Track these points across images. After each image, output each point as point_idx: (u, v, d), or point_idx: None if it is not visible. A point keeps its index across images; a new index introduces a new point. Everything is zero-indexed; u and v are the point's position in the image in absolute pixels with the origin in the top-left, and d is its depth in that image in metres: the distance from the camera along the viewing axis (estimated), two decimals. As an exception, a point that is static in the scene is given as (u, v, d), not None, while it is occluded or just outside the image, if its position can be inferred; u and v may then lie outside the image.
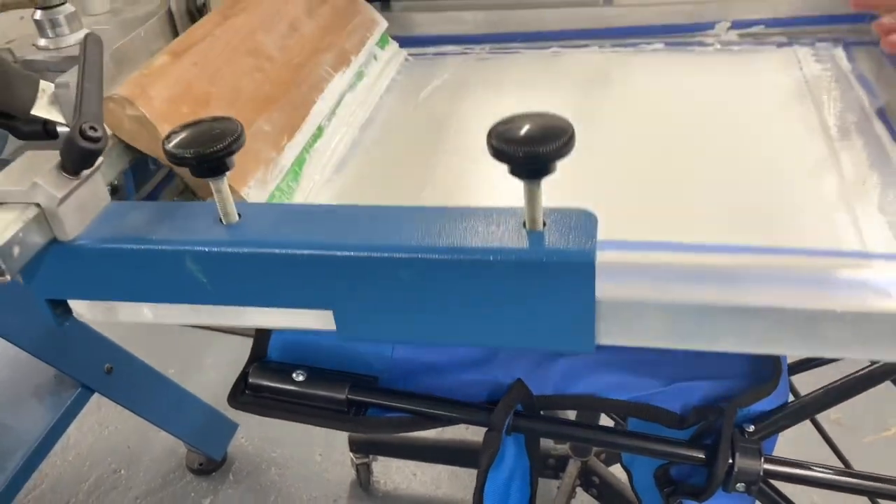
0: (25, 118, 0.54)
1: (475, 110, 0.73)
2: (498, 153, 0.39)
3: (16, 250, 0.44)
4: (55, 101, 0.54)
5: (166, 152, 0.43)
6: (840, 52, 0.73)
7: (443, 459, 1.45)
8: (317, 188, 0.62)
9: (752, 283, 0.42)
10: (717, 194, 0.57)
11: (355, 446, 1.43)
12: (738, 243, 0.49)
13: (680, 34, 0.80)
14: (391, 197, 0.62)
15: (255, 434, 1.60)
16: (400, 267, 0.43)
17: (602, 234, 0.42)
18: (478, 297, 0.43)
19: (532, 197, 0.42)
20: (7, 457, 1.10)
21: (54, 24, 0.58)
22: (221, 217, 0.46)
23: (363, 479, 1.45)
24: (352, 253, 0.43)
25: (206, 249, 0.45)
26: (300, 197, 0.59)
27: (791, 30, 0.78)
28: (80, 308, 0.51)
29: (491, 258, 0.42)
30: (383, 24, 0.81)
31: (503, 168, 0.40)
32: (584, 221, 0.43)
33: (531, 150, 0.39)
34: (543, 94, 0.74)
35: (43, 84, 0.54)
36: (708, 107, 0.68)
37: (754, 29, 0.78)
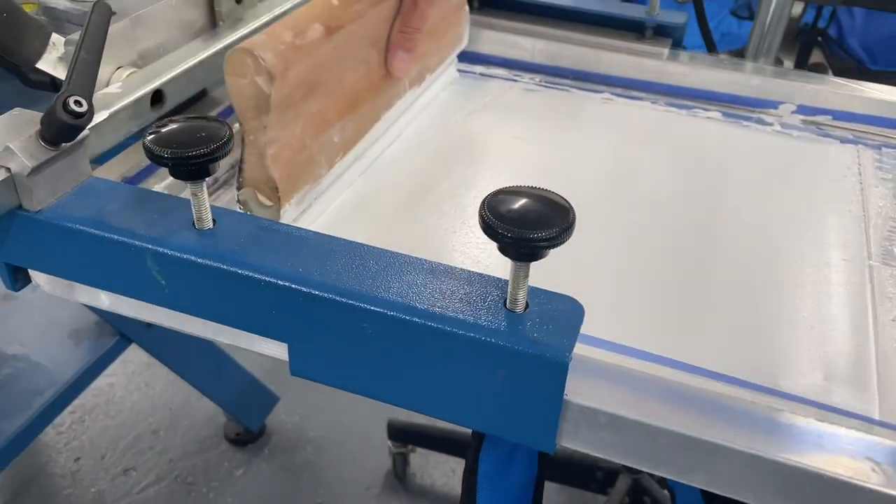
0: (30, 69, 0.51)
1: (506, 144, 0.69)
2: (486, 227, 0.36)
3: (-27, 213, 0.42)
4: (64, 57, 0.52)
5: (145, 147, 0.40)
6: (906, 163, 0.68)
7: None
8: (319, 190, 0.59)
9: (737, 422, 0.38)
10: (714, 303, 0.52)
11: (394, 434, 1.40)
12: (734, 375, 0.45)
13: (741, 106, 0.75)
14: (388, 220, 0.59)
15: (296, 411, 1.59)
16: (365, 318, 0.40)
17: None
18: (442, 369, 0.40)
19: (517, 278, 0.38)
20: (35, 395, 1.11)
21: (83, -26, 0.56)
22: (195, 221, 0.43)
23: (399, 469, 1.43)
24: (317, 292, 0.40)
25: (168, 252, 0.42)
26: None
27: (860, 126, 0.72)
28: (40, 279, 0.48)
29: (461, 332, 0.38)
30: (465, 41, 0.78)
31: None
32: (569, 312, 0.39)
33: (521, 233, 0.35)
34: (580, 141, 0.70)
35: (54, 37, 0.51)
36: (744, 194, 0.63)
37: (820, 118, 0.73)
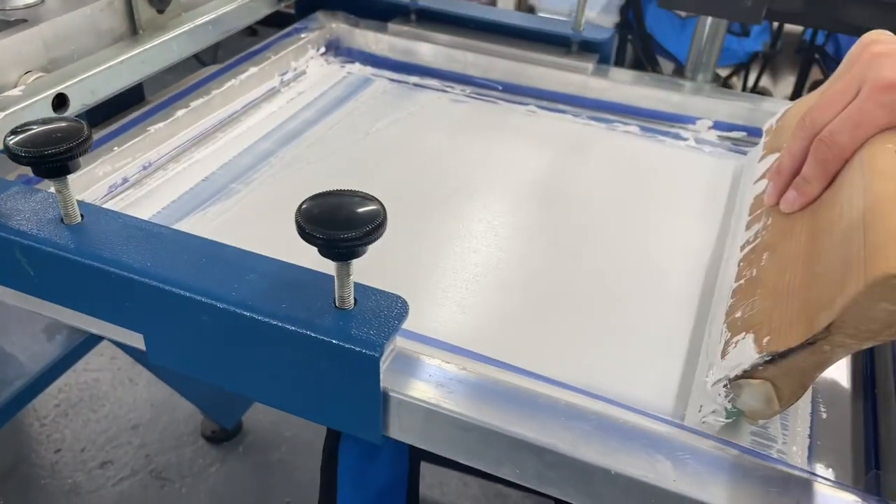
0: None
1: (422, 153, 0.71)
2: (301, 232, 0.38)
3: None
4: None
5: (6, 147, 0.43)
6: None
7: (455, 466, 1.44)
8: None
9: (541, 417, 0.40)
10: (565, 309, 0.54)
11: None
12: (561, 379, 0.47)
13: (660, 121, 0.77)
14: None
15: (273, 410, 1.61)
16: (203, 311, 0.42)
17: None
18: (276, 360, 0.42)
19: (340, 277, 0.40)
20: (5, 385, 1.14)
21: (3, -16, 0.59)
22: (63, 216, 0.46)
23: None
24: (162, 285, 0.43)
25: (33, 245, 0.45)
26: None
27: (772, 143, 0.73)
28: (-67, 267, 0.52)
29: (288, 327, 0.40)
30: None
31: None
32: (394, 308, 0.41)
33: (332, 234, 0.37)
34: (498, 150, 0.72)
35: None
36: (634, 207, 0.65)
37: (735, 133, 0.74)
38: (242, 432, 1.58)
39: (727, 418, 0.43)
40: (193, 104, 0.68)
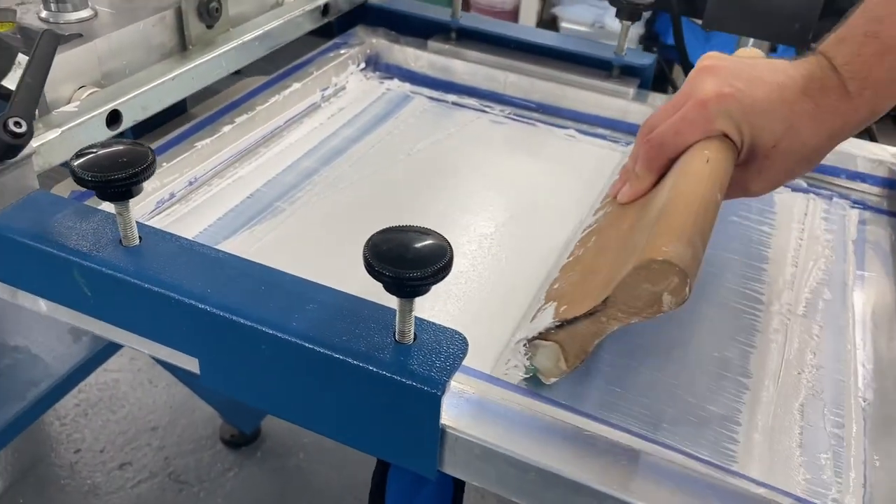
0: (-4, 86, 0.55)
1: (466, 177, 0.71)
2: (369, 267, 0.38)
3: (-84, 222, 0.45)
4: (27, 76, 0.55)
5: (71, 171, 0.43)
6: (854, 215, 0.69)
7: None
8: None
9: (601, 463, 0.40)
10: None
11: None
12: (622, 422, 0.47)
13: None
14: (328, 239, 0.61)
15: None
16: (263, 340, 0.42)
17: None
18: (333, 391, 0.42)
19: (402, 312, 0.40)
20: (31, 386, 1.15)
21: (59, -2, 0.60)
22: (122, 238, 0.46)
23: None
24: (221, 312, 0.43)
25: (93, 266, 0.45)
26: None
27: (815, 176, 0.73)
28: (-12, 283, 0.52)
29: (349, 360, 0.40)
30: None
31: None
32: (454, 346, 0.41)
33: (400, 273, 0.37)
34: (539, 176, 0.72)
35: (20, 58, 0.55)
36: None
37: (777, 164, 0.74)
38: (260, 437, 1.58)
39: (526, 374, 0.49)
40: (238, 120, 0.69)
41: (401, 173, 0.70)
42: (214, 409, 1.54)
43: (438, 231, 0.40)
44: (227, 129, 0.67)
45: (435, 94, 0.84)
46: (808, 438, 0.48)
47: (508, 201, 0.68)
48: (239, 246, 0.59)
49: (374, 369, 0.40)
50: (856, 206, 0.71)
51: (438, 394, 0.39)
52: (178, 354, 0.47)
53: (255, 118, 0.70)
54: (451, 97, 0.83)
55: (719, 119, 0.51)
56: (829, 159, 0.72)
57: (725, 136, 0.52)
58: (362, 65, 0.86)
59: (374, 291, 0.40)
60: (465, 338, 0.42)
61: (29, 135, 0.46)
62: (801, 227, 0.67)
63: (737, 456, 0.46)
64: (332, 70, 0.81)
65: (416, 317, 0.41)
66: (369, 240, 0.39)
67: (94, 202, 0.56)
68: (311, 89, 0.78)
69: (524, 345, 0.49)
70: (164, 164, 0.61)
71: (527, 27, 0.90)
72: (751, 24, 0.76)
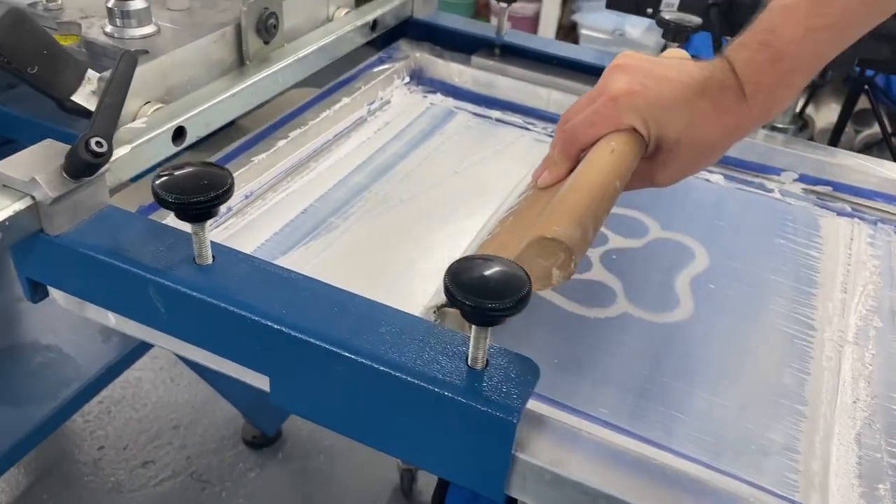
0: (66, 100, 0.56)
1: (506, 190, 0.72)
2: (449, 295, 0.39)
3: (-1, 236, 0.46)
4: (96, 91, 0.56)
5: (153, 191, 0.44)
6: (899, 241, 0.70)
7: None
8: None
9: (673, 492, 0.40)
10: None
11: (402, 451, 1.46)
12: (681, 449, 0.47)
13: (744, 170, 0.77)
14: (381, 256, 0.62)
15: None
16: (338, 363, 0.43)
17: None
18: (405, 413, 0.43)
19: (477, 339, 0.41)
20: (63, 386, 1.16)
21: (124, 14, 0.61)
22: (196, 257, 0.47)
23: (405, 485, 1.46)
24: (296, 334, 0.44)
25: (168, 284, 0.46)
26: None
27: (859, 200, 0.74)
28: (56, 295, 0.53)
29: (423, 385, 0.41)
30: None
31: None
32: (526, 373, 0.42)
33: (480, 303, 0.38)
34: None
35: (89, 73, 0.56)
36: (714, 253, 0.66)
37: (820, 188, 0.75)
38: (281, 439, 1.60)
39: None
40: (292, 135, 0.70)
41: (448, 192, 0.71)
42: (237, 410, 1.56)
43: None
44: (281, 143, 0.68)
45: (478, 109, 0.85)
46: (866, 469, 0.48)
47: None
48: (296, 262, 0.60)
49: (450, 395, 0.41)
50: (901, 231, 0.71)
51: (514, 421, 0.40)
52: (249, 372, 0.47)
53: (307, 133, 0.71)
54: (495, 113, 0.84)
55: (628, 113, 0.55)
56: (870, 183, 0.73)
57: (634, 129, 0.56)
58: (406, 79, 0.87)
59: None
60: (535, 364, 0.43)
61: (109, 154, 0.47)
62: (847, 251, 0.68)
63: (798, 485, 0.47)
64: (379, 84, 0.82)
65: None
66: (450, 267, 0.40)
67: (158, 216, 0.58)
68: (360, 103, 0.78)
69: (434, 311, 0.52)
70: (224, 178, 0.62)
71: (570, 45, 0.90)
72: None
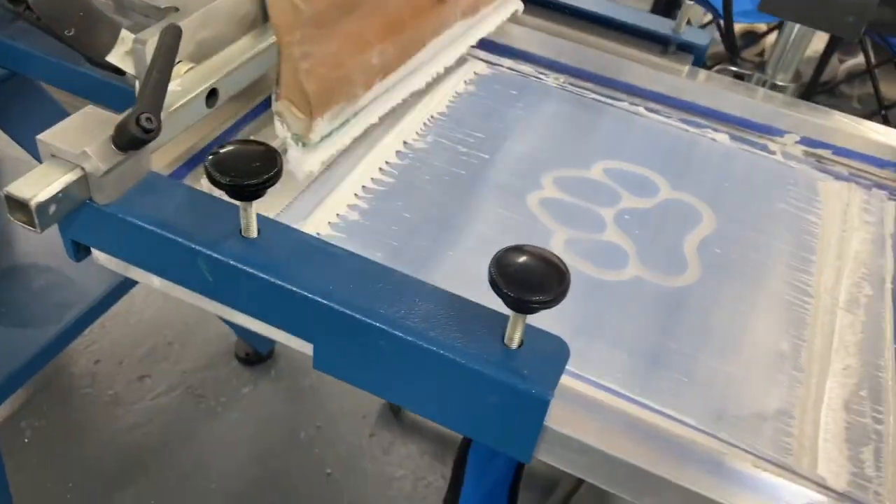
0: (99, 60, 0.56)
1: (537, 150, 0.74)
2: (494, 285, 0.42)
3: (52, 208, 0.48)
4: (130, 52, 0.57)
5: (206, 171, 0.46)
6: (891, 208, 0.73)
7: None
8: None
9: (683, 460, 0.45)
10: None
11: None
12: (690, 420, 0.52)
13: (749, 130, 0.80)
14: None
15: None
16: (381, 337, 0.46)
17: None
18: (444, 384, 0.47)
19: (515, 322, 0.44)
20: (65, 309, 1.18)
21: (155, -30, 0.60)
22: (242, 230, 0.49)
23: (395, 405, 1.52)
24: (342, 309, 0.47)
25: (217, 256, 0.48)
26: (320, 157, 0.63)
27: (856, 164, 0.77)
28: (100, 256, 0.55)
29: (462, 361, 0.45)
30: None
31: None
32: (557, 352, 0.46)
33: (522, 294, 0.41)
34: (599, 151, 0.75)
35: (123, 33, 0.56)
36: (720, 216, 0.69)
37: (821, 150, 0.78)
38: (274, 357, 1.65)
39: (296, 144, 0.59)
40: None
41: (470, 145, 0.73)
42: (229, 327, 1.60)
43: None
44: (304, 97, 0.69)
45: (491, 57, 0.86)
46: (853, 434, 0.53)
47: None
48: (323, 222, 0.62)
49: (489, 373, 0.44)
50: (893, 196, 0.75)
51: (548, 398, 0.44)
52: (294, 339, 0.51)
53: (327, 85, 0.72)
54: (507, 62, 0.85)
55: None
56: (867, 148, 0.77)
57: None
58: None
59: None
60: (566, 344, 0.46)
61: (158, 129, 0.48)
62: (843, 217, 0.71)
63: (792, 449, 0.52)
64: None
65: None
66: (496, 256, 0.43)
67: (192, 179, 0.59)
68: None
69: (277, 119, 0.57)
70: (252, 136, 0.64)
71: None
72: (807, 12, 0.77)
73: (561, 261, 0.43)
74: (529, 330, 0.46)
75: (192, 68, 0.59)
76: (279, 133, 0.59)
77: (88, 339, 1.65)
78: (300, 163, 0.60)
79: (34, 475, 1.41)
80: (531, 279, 0.42)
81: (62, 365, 1.60)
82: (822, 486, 0.49)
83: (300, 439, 1.53)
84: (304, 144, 0.60)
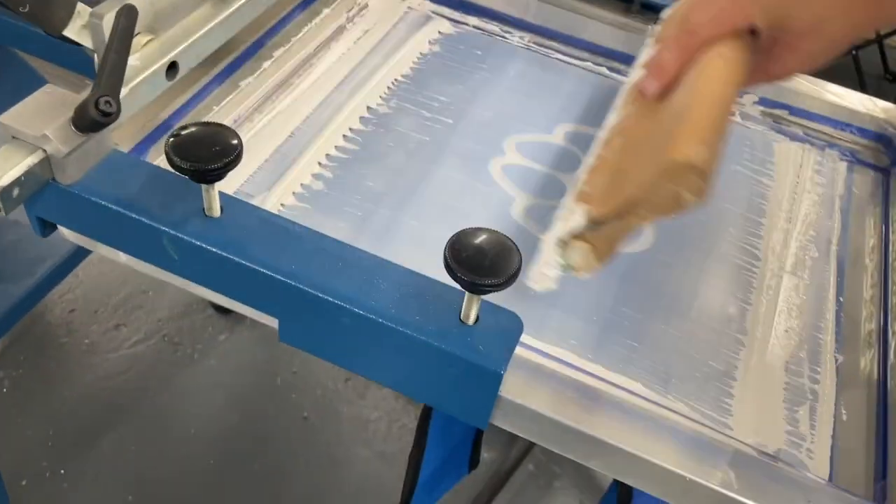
0: (56, 35, 0.56)
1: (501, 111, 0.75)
2: (447, 266, 0.44)
3: (16, 191, 0.49)
4: (86, 27, 0.56)
5: (167, 156, 0.47)
6: (842, 169, 0.76)
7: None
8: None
9: (627, 424, 0.48)
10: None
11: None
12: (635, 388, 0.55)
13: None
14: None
15: None
16: (344, 315, 0.48)
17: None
18: (404, 359, 0.49)
19: (471, 302, 0.47)
20: (38, 262, 1.19)
21: (110, -61, 0.59)
22: (205, 209, 0.51)
23: None
24: (304, 287, 0.48)
25: (180, 236, 0.50)
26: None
27: (811, 124, 0.79)
28: (66, 232, 0.56)
29: (420, 337, 0.47)
30: None
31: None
32: (511, 327, 0.48)
33: (474, 278, 0.43)
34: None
35: (80, 7, 0.56)
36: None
37: (778, 111, 0.79)
38: (249, 304, 1.67)
39: (562, 271, 0.53)
40: (276, 54, 0.71)
41: (433, 117, 0.74)
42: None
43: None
44: (267, 64, 0.69)
45: (456, 15, 0.86)
46: (790, 394, 0.57)
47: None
48: (281, 198, 0.63)
49: (446, 348, 0.47)
50: (844, 157, 0.77)
51: (501, 371, 0.46)
52: (260, 314, 0.52)
53: (290, 49, 0.72)
54: (473, 20, 0.85)
55: (753, 8, 0.52)
56: (822, 108, 0.78)
57: (743, 34, 0.53)
58: (383, -20, 0.86)
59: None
60: (519, 319, 0.49)
61: (117, 113, 0.49)
62: (795, 179, 0.74)
63: (732, 409, 0.55)
64: (356, -11, 0.81)
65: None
66: (450, 241, 0.45)
67: (155, 153, 0.60)
68: (339, 12, 0.79)
69: (559, 245, 0.52)
70: (214, 107, 0.64)
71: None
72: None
73: (514, 244, 0.45)
74: (485, 305, 0.49)
75: (150, 40, 0.60)
76: (556, 255, 0.53)
77: (63, 287, 1.65)
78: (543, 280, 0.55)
79: (14, 424, 1.43)
80: (483, 262, 0.44)
81: (38, 314, 1.61)
82: (757, 448, 0.52)
83: (276, 385, 1.56)
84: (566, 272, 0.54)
